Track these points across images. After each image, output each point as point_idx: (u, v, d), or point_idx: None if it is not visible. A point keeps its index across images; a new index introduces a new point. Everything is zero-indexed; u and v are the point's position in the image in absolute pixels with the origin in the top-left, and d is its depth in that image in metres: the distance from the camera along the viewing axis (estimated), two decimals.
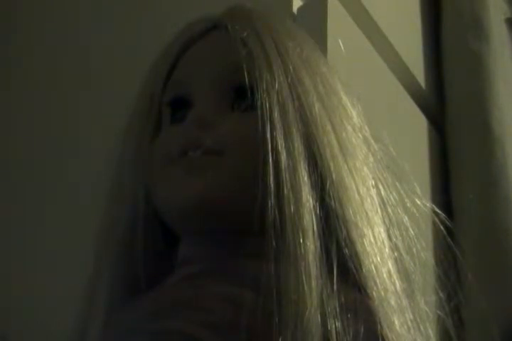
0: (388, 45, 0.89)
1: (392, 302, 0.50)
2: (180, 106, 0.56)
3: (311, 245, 0.47)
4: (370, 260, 0.50)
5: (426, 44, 1.05)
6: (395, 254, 0.53)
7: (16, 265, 0.81)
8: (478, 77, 1.04)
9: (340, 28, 0.75)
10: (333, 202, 0.50)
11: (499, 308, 0.88)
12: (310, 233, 0.48)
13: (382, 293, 0.49)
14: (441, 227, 0.60)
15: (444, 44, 1.07)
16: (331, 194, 0.50)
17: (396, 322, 0.49)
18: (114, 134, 0.59)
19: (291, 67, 0.53)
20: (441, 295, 0.58)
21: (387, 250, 0.52)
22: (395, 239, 0.54)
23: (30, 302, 0.78)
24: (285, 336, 0.44)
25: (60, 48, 0.89)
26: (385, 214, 0.54)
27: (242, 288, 0.47)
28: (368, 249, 0.50)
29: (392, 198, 0.55)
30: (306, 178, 0.50)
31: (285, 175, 0.49)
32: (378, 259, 0.50)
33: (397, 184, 0.56)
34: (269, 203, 0.48)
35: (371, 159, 0.55)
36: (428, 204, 0.59)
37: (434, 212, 0.60)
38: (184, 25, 0.60)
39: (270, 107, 0.51)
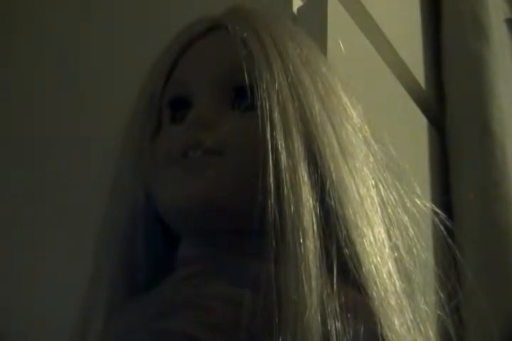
0: (388, 45, 0.89)
1: (392, 302, 0.50)
2: (180, 106, 0.56)
3: (311, 245, 0.47)
4: (370, 260, 0.50)
5: (426, 44, 1.05)
6: (395, 254, 0.53)
7: (16, 265, 0.81)
8: (478, 77, 1.04)
9: (340, 28, 0.75)
10: (333, 202, 0.50)
11: (499, 308, 0.88)
12: (310, 233, 0.48)
13: (382, 293, 0.49)
14: (441, 227, 0.60)
15: (444, 44, 1.07)
16: (331, 194, 0.50)
17: (396, 322, 0.49)
18: (114, 134, 0.59)
19: (291, 67, 0.53)
20: (441, 295, 0.58)
21: (387, 250, 0.52)
22: (395, 239, 0.54)
23: (30, 302, 0.78)
24: (285, 336, 0.44)
25: (60, 48, 0.89)
26: (385, 214, 0.54)
27: (242, 288, 0.47)
28: (368, 249, 0.50)
29: (392, 198, 0.55)
30: (306, 178, 0.50)
31: (285, 175, 0.49)
32: (378, 259, 0.50)
33: (397, 184, 0.56)
34: (269, 203, 0.48)
35: (371, 159, 0.55)
36: (428, 204, 0.59)
37: (434, 212, 0.60)
38: (184, 25, 0.60)
39: (270, 107, 0.51)
